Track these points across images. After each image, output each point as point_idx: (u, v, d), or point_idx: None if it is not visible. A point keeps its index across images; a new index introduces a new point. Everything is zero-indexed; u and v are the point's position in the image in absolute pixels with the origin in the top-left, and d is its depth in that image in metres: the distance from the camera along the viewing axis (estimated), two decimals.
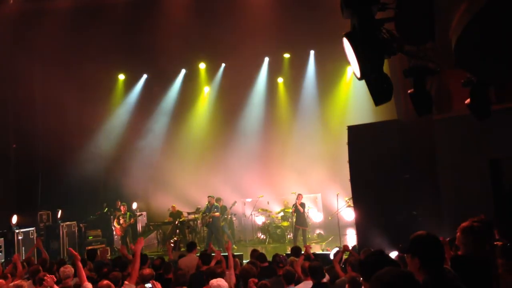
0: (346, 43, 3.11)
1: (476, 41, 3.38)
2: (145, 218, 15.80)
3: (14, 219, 12.20)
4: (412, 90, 4.96)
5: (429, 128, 8.73)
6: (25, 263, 7.65)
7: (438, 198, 8.71)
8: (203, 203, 13.85)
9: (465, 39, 3.46)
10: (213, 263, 6.78)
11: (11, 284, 5.84)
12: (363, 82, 3.58)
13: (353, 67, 3.23)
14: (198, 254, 7.85)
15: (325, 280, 5.51)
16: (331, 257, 7.36)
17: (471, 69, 4.63)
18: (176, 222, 14.02)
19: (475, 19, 3.11)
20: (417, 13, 3.76)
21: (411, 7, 3.64)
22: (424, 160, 9.01)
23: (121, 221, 13.18)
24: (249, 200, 15.26)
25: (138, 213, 15.10)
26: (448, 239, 5.74)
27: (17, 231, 11.95)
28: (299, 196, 12.87)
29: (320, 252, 10.28)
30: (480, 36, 3.28)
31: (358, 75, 3.15)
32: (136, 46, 14.15)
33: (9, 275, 6.89)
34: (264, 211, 14.79)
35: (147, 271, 5.89)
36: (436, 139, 8.78)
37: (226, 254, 6.68)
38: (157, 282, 5.13)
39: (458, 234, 3.44)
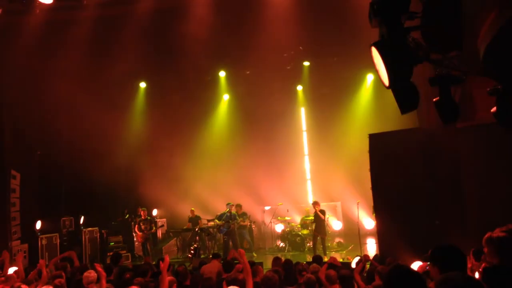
0: (374, 52, 3.11)
1: (507, 49, 3.34)
2: (165, 225, 15.90)
3: (38, 224, 12.39)
4: (437, 98, 4.92)
5: (452, 137, 8.61)
6: (48, 270, 7.76)
7: (462, 207, 8.57)
8: (223, 210, 13.88)
9: (494, 47, 3.43)
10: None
11: None
12: (383, 89, 3.57)
13: (381, 76, 3.21)
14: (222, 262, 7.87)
15: None
16: (353, 266, 7.31)
17: (500, 78, 4.57)
18: (196, 229, 14.07)
19: (506, 26, 3.08)
20: (444, 21, 3.73)
21: (438, 16, 3.62)
22: (447, 169, 8.88)
23: (143, 228, 13.21)
24: (268, 208, 15.25)
25: (158, 220, 15.21)
26: (473, 249, 5.64)
27: (41, 236, 12.14)
28: (315, 203, 12.78)
29: (341, 261, 10.20)
30: (510, 44, 3.24)
31: (387, 83, 3.14)
32: (157, 53, 14.33)
33: (34, 280, 7.01)
34: (283, 219, 14.76)
35: (169, 278, 5.92)
36: (460, 148, 8.65)
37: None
38: None
39: (487, 245, 3.38)
